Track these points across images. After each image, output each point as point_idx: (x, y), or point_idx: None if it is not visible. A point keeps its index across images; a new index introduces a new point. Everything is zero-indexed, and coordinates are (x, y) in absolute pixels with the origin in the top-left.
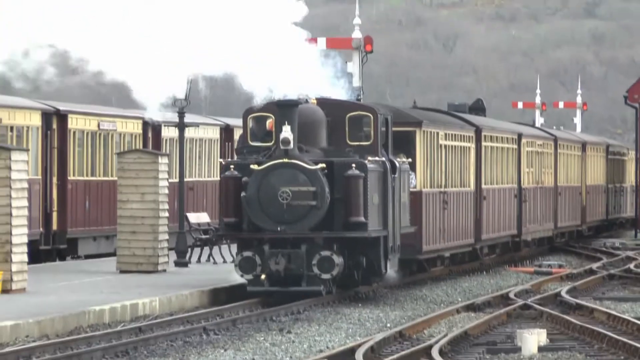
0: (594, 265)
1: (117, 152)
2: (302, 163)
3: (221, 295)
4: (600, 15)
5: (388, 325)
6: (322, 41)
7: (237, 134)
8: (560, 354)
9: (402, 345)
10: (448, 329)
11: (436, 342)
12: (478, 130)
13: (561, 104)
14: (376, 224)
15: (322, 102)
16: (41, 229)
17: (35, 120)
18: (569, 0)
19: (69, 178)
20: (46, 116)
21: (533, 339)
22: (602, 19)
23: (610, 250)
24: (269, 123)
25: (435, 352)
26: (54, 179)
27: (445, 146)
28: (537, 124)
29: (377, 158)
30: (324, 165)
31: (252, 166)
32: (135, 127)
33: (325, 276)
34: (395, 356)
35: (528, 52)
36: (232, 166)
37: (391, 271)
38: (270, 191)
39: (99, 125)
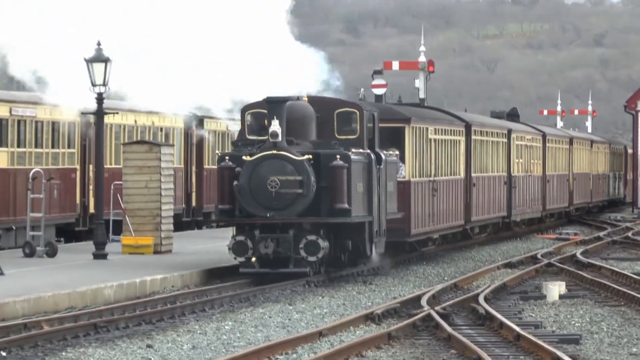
0: (601, 233)
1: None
2: (290, 154)
3: None
4: (606, 44)
5: (445, 278)
6: (395, 64)
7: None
8: (575, 300)
9: (456, 294)
10: (491, 281)
11: (482, 291)
12: (468, 126)
13: (576, 112)
14: (360, 210)
15: (313, 100)
16: (183, 205)
17: (179, 123)
18: (582, 33)
19: (204, 167)
20: (186, 119)
21: (555, 289)
22: (607, 47)
23: (613, 222)
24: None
25: (481, 298)
26: (193, 168)
27: (435, 140)
28: (558, 127)
29: (361, 150)
30: (310, 156)
31: (243, 157)
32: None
33: (312, 259)
34: (450, 302)
35: (551, 72)
36: (227, 157)
37: (377, 253)
38: (260, 180)
39: (227, 127)
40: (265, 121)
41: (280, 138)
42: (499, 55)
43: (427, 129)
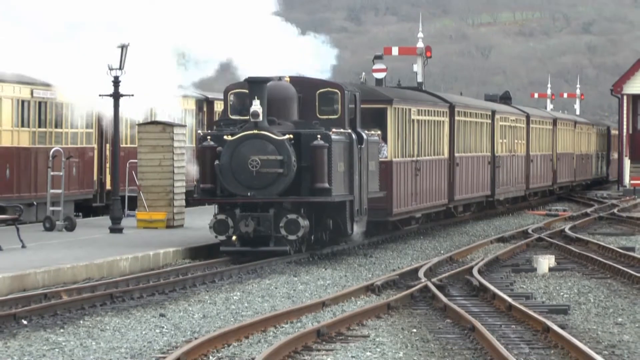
0: (589, 210)
1: (137, 124)
2: (270, 134)
3: None
4: (594, 31)
5: (442, 252)
6: (395, 49)
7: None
8: (564, 273)
9: (451, 266)
10: (484, 254)
11: (476, 264)
12: (452, 107)
13: (565, 95)
14: (341, 189)
15: (295, 80)
16: (194, 182)
17: (191, 105)
18: (571, 21)
19: None
20: (199, 102)
21: (545, 262)
22: (594, 34)
23: (600, 199)
24: None
25: (475, 271)
26: None
27: (417, 121)
28: (548, 109)
29: (342, 130)
30: (291, 136)
31: (225, 137)
32: None
33: (292, 237)
34: (446, 274)
35: (542, 58)
36: (208, 137)
37: (358, 232)
38: (241, 160)
39: None
40: (248, 101)
41: (261, 118)
42: (493, 42)
43: (409, 110)
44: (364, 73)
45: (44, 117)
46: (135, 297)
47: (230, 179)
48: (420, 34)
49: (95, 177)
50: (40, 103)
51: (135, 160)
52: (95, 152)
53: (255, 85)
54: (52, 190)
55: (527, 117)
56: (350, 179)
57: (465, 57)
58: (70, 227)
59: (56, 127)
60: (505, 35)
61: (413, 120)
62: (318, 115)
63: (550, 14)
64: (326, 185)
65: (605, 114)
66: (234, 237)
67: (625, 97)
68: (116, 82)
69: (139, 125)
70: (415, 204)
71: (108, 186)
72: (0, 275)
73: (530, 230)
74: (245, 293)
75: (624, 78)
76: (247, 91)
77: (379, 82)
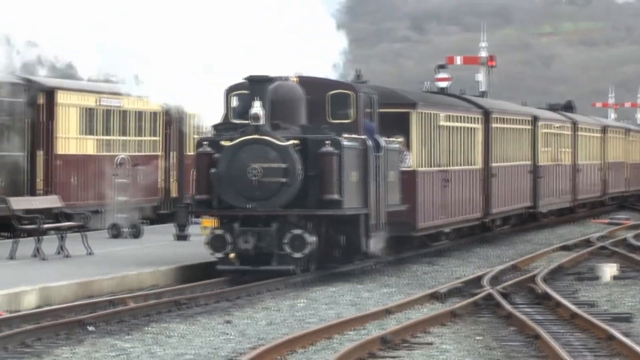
0: None
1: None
2: (273, 139)
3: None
4: None
5: (506, 260)
6: (458, 58)
7: None
8: (627, 281)
9: (515, 274)
10: (548, 263)
11: (539, 272)
12: (486, 113)
13: (627, 104)
14: (354, 201)
15: (303, 80)
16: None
17: None
18: (632, 30)
19: None
20: None
21: (608, 270)
22: None
23: None
24: None
25: (539, 279)
26: None
27: (446, 127)
28: (610, 119)
29: (355, 135)
30: (296, 141)
31: (222, 142)
32: None
33: (297, 255)
34: (510, 282)
35: (603, 68)
36: (205, 142)
37: (376, 249)
38: (240, 168)
39: None
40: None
41: (262, 121)
42: (555, 51)
43: (437, 115)
44: (427, 82)
45: (110, 124)
46: (201, 303)
47: (228, 189)
48: (483, 44)
49: (160, 185)
50: (106, 111)
51: None
52: (161, 159)
53: (257, 84)
54: (118, 198)
55: (574, 124)
56: (364, 190)
57: (528, 67)
58: (136, 234)
59: (122, 135)
60: (567, 45)
61: (441, 126)
62: (329, 119)
63: (612, 24)
64: (336, 196)
65: None
66: (231, 255)
67: None
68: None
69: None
70: (444, 218)
71: (173, 193)
72: (67, 282)
73: (593, 239)
74: (311, 300)
75: None
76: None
77: (442, 91)
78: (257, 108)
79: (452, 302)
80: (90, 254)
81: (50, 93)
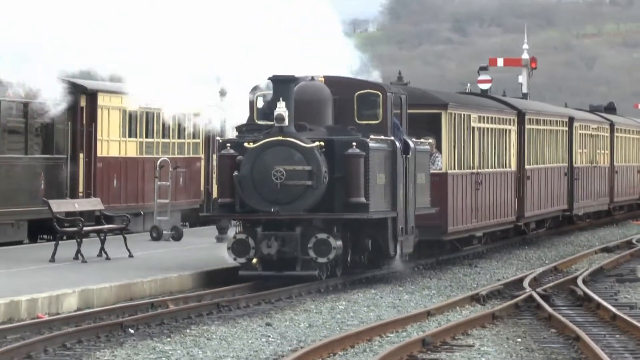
0: None
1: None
2: (297, 141)
3: None
4: None
5: (546, 262)
6: (500, 60)
7: None
8: None
9: (556, 276)
10: (589, 264)
11: (580, 274)
12: (520, 114)
13: None
14: (381, 204)
15: (330, 80)
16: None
17: None
18: None
19: None
20: None
21: None
22: None
23: None
24: None
25: (579, 281)
26: None
27: (478, 128)
28: None
29: (383, 137)
30: (321, 143)
31: (245, 144)
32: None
33: (322, 260)
34: (551, 284)
35: None
36: (228, 144)
37: (403, 253)
38: (263, 170)
39: None
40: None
41: (287, 122)
42: (597, 53)
43: (468, 116)
44: (469, 84)
45: (151, 127)
46: (242, 306)
47: (251, 192)
48: (525, 45)
49: (202, 187)
50: (147, 113)
51: None
52: (203, 162)
53: (281, 84)
54: (159, 200)
55: (611, 125)
56: (392, 193)
57: (570, 68)
58: (177, 236)
59: (163, 137)
60: (610, 46)
61: (473, 127)
62: (357, 120)
63: None
64: (362, 199)
65: None
66: (254, 260)
67: None
68: (223, 93)
69: None
70: (476, 222)
71: (215, 196)
72: (107, 285)
73: (634, 241)
74: (351, 302)
75: None
76: None
77: (483, 92)
78: (281, 109)
79: (492, 304)
80: (130, 256)
81: (92, 96)
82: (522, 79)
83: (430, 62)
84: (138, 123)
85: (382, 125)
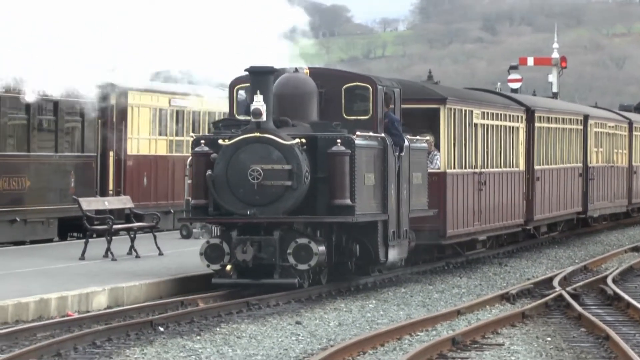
0: None
1: None
2: (276, 137)
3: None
4: None
5: (576, 261)
6: (530, 59)
7: None
8: None
9: (586, 276)
10: (618, 264)
11: (610, 273)
12: (529, 111)
13: None
14: (369, 207)
15: (316, 72)
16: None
17: None
18: None
19: None
20: None
21: None
22: None
23: None
24: None
25: (609, 280)
26: None
27: (482, 125)
28: None
29: (371, 133)
30: (302, 140)
31: (220, 141)
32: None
33: (302, 267)
34: (580, 283)
35: None
36: (202, 141)
37: (396, 259)
38: (239, 170)
39: None
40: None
41: (264, 117)
42: (627, 52)
43: (470, 112)
44: (499, 83)
45: (181, 125)
46: (272, 304)
47: (225, 193)
48: (555, 44)
49: None
50: (177, 112)
51: None
52: None
53: (258, 76)
54: (188, 198)
55: (630, 123)
56: (383, 194)
57: (600, 68)
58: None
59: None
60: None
61: (476, 124)
62: (344, 115)
63: None
64: (347, 201)
65: None
66: (228, 267)
67: None
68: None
69: None
70: (479, 225)
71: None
72: (137, 283)
73: None
74: (381, 301)
75: None
76: None
77: (514, 92)
78: (258, 103)
79: (522, 303)
80: (160, 254)
81: (122, 94)
82: (552, 78)
83: (460, 61)
84: (168, 121)
85: (372, 120)
